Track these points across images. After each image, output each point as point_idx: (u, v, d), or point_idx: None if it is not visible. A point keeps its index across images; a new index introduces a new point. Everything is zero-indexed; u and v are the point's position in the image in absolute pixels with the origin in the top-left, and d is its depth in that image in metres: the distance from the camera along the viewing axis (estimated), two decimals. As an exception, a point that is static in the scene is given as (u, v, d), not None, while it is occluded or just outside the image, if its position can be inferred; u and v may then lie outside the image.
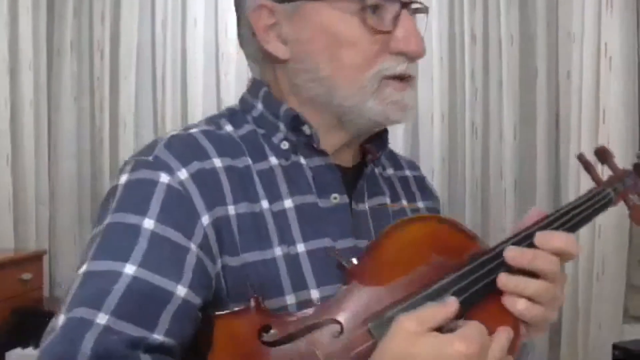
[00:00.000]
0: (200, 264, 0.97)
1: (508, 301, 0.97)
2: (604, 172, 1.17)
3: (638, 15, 2.90)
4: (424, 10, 1.16)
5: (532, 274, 0.97)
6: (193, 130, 1.07)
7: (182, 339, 0.94)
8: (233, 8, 1.14)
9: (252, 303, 0.94)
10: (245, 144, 1.07)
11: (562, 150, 3.09)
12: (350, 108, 1.04)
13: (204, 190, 1.00)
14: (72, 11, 3.67)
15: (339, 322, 0.95)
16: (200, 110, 3.58)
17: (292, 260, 1.01)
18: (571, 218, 1.06)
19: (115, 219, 0.97)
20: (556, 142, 3.11)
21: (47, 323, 0.93)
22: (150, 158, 1.01)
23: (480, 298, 0.96)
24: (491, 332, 0.91)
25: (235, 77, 3.56)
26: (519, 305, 0.96)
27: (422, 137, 3.37)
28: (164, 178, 0.99)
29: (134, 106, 3.65)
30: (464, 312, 0.94)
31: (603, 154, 1.21)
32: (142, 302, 0.92)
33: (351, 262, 0.98)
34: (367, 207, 1.12)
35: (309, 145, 1.08)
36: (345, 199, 1.08)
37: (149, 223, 0.96)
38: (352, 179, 1.11)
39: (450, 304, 0.93)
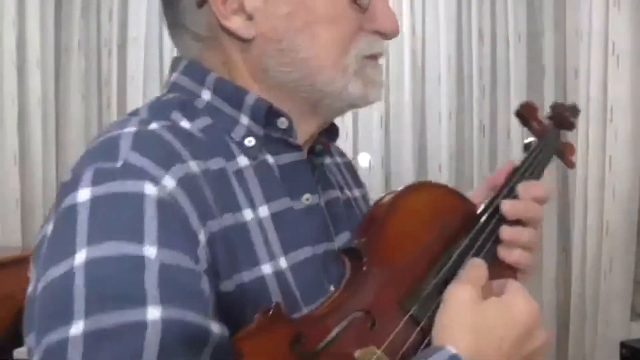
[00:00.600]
0: (211, 292, 0.80)
1: (504, 252, 0.98)
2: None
3: (646, 13, 2.90)
4: None
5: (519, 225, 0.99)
6: (153, 126, 0.87)
7: None
8: None
9: (273, 311, 0.79)
10: (209, 141, 0.90)
11: (569, 148, 3.08)
12: (332, 92, 0.92)
13: (194, 200, 0.82)
14: (79, 9, 3.67)
15: (367, 312, 0.85)
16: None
17: (280, 277, 0.87)
18: (535, 168, 1.07)
19: (101, 251, 0.75)
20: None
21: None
22: (118, 164, 0.80)
23: (491, 256, 0.96)
24: None
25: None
26: (514, 255, 0.98)
27: (430, 135, 3.36)
28: (150, 189, 0.79)
29: (141, 104, 3.65)
30: None
31: (528, 111, 1.12)
32: (182, 350, 0.74)
33: (358, 245, 0.90)
34: (322, 203, 0.98)
35: (280, 141, 0.93)
36: (317, 198, 0.96)
37: (150, 251, 0.76)
38: None
39: (480, 263, 0.91)
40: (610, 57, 2.85)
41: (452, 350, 0.81)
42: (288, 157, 0.94)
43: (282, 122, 0.93)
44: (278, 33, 0.90)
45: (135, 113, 0.93)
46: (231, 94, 0.93)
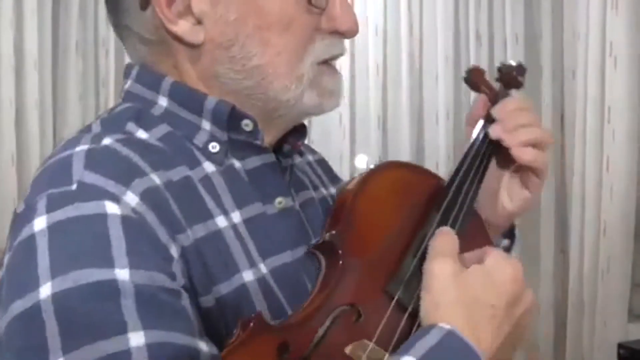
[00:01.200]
0: (194, 309, 0.77)
1: (517, 152, 0.97)
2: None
3: (643, 14, 2.90)
4: None
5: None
6: (107, 141, 0.82)
7: None
8: None
9: (254, 323, 0.76)
10: (171, 150, 0.85)
11: (567, 148, 3.08)
12: (286, 102, 0.88)
13: (161, 214, 0.77)
14: (77, 11, 3.67)
15: (352, 305, 0.83)
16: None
17: (262, 283, 0.84)
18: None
19: (68, 282, 0.69)
20: (561, 141, 3.10)
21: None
22: (73, 187, 0.75)
23: (465, 227, 0.94)
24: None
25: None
26: (528, 153, 0.97)
27: (428, 135, 3.36)
28: (112, 208, 0.74)
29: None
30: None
31: (477, 76, 1.10)
32: None
33: (328, 241, 0.86)
34: (297, 205, 0.94)
35: (246, 144, 0.89)
36: (290, 201, 0.92)
37: (122, 274, 0.70)
38: None
39: (446, 231, 0.88)
40: (607, 58, 2.85)
41: (447, 326, 0.79)
42: (255, 161, 0.90)
43: (247, 124, 0.88)
44: (227, 39, 0.85)
45: (87, 129, 0.87)
46: (189, 98, 0.87)
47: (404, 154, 3.31)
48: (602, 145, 2.84)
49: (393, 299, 0.85)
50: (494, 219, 1.05)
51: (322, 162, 1.12)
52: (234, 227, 0.84)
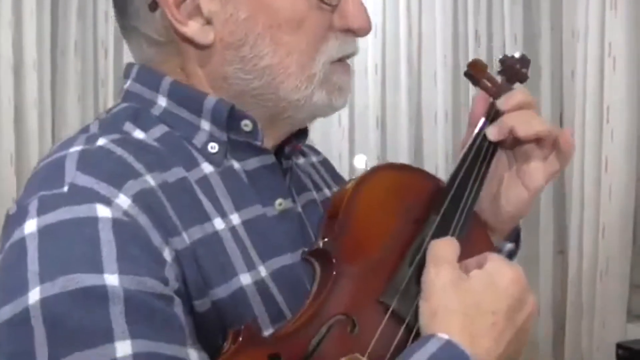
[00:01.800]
0: (187, 315, 0.75)
1: (521, 128, 0.94)
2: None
3: (642, 15, 2.90)
4: None
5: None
6: (101, 142, 0.81)
7: None
8: None
9: (243, 335, 0.74)
10: (168, 151, 0.83)
11: (566, 149, 3.08)
12: (296, 102, 0.86)
13: (153, 217, 0.75)
14: (76, 11, 3.66)
15: (345, 315, 0.80)
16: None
17: (260, 286, 0.82)
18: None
19: (56, 288, 0.68)
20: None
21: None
22: (65, 189, 0.74)
23: (466, 231, 0.90)
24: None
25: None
26: (537, 125, 0.95)
27: (426, 135, 3.36)
28: (103, 211, 0.72)
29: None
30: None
31: (478, 70, 1.04)
32: None
33: (323, 249, 0.83)
34: (299, 207, 0.93)
35: (245, 145, 0.87)
36: (290, 202, 0.90)
37: (112, 279, 0.69)
38: None
39: (448, 239, 0.85)
40: (606, 58, 2.84)
41: (444, 336, 0.77)
42: (255, 162, 0.88)
43: (246, 125, 0.86)
44: (238, 38, 0.84)
45: (85, 129, 0.86)
46: (188, 98, 0.86)
47: (403, 155, 3.30)
48: (601, 145, 2.84)
49: (388, 309, 0.82)
50: (495, 222, 1.02)
51: (326, 163, 1.10)
52: (232, 229, 0.82)
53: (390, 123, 3.37)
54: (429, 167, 3.35)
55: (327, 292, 0.81)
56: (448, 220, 0.89)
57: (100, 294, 0.68)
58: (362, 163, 3.39)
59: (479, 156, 0.96)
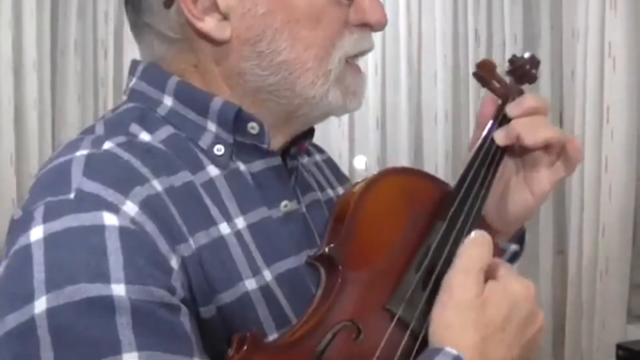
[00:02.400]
0: (193, 324, 0.75)
1: (528, 137, 0.92)
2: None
3: (642, 15, 2.90)
4: None
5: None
6: (107, 146, 0.79)
7: None
8: None
9: (248, 344, 0.73)
10: (173, 153, 0.82)
11: (566, 149, 3.08)
12: (311, 99, 0.85)
13: (160, 224, 0.74)
14: (76, 11, 3.66)
15: (351, 322, 0.79)
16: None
17: (265, 291, 0.81)
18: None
19: (63, 298, 0.67)
20: (560, 141, 3.10)
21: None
22: (71, 195, 0.73)
23: (476, 227, 0.88)
24: None
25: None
26: (545, 132, 0.93)
27: (426, 135, 3.36)
28: (110, 219, 0.71)
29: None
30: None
31: (487, 70, 1.01)
32: None
33: (327, 254, 0.82)
34: (303, 207, 0.92)
35: (251, 147, 0.86)
36: (296, 204, 0.89)
37: (118, 290, 0.68)
38: None
39: (482, 240, 0.83)
40: (606, 58, 2.84)
41: (453, 351, 0.75)
42: (261, 164, 0.87)
43: (253, 127, 0.86)
44: (255, 34, 0.83)
45: (90, 130, 0.85)
46: (195, 99, 0.85)
47: (403, 155, 3.31)
48: (600, 145, 2.84)
49: (394, 317, 0.81)
50: (500, 224, 1.02)
51: (329, 162, 1.10)
52: (237, 233, 0.81)
53: (390, 123, 3.37)
54: (429, 167, 3.35)
55: (333, 298, 0.80)
56: (455, 226, 0.88)
57: (107, 304, 0.68)
58: (362, 164, 3.39)
59: (486, 159, 0.95)
